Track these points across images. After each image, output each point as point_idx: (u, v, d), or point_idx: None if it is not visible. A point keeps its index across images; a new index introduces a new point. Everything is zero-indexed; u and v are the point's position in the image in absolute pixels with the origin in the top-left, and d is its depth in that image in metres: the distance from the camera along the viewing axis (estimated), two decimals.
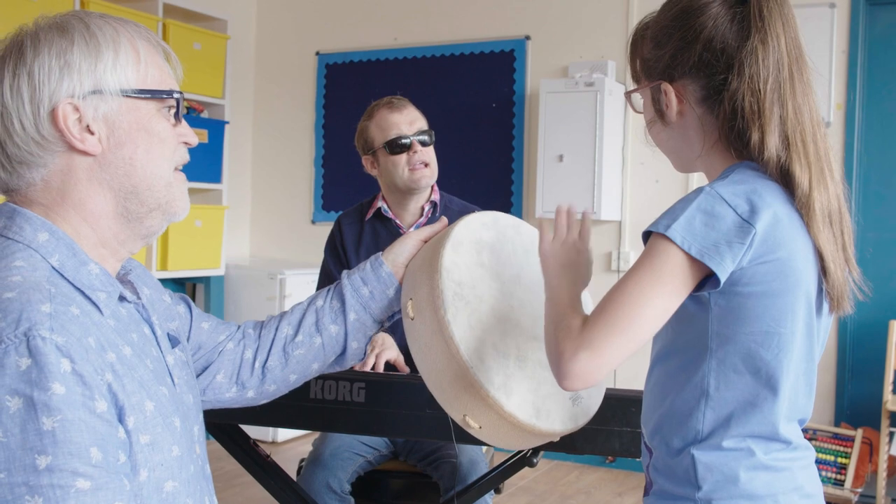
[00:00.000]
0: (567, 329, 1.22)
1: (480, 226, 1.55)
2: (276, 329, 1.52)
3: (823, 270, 1.25)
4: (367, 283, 1.53)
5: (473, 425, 1.42)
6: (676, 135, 1.33)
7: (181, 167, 1.25)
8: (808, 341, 1.26)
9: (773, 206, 1.20)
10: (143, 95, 1.17)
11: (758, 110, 1.23)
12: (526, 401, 1.42)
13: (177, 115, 1.21)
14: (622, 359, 1.19)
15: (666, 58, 1.30)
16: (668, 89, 1.30)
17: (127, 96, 1.16)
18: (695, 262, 1.17)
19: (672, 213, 1.20)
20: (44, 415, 0.96)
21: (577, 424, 1.51)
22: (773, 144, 1.23)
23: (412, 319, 1.45)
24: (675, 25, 1.30)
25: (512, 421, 1.39)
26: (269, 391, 1.53)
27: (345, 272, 1.57)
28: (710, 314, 1.22)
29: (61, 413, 0.97)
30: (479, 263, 1.49)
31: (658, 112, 1.33)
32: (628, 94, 1.40)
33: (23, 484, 0.95)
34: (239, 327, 1.54)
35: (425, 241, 1.57)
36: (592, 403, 1.56)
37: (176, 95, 1.20)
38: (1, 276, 1.05)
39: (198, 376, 1.46)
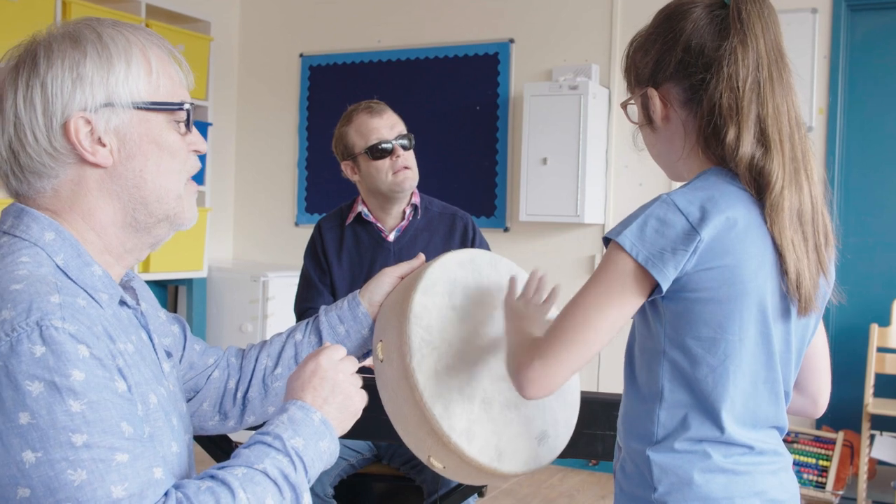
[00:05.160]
0: (525, 344, 1.29)
1: (456, 265, 1.56)
2: (256, 360, 1.54)
3: (784, 272, 1.24)
4: (344, 322, 1.56)
5: (438, 466, 1.45)
6: (663, 139, 1.35)
7: (192, 175, 1.25)
8: (765, 349, 1.26)
9: (728, 213, 1.20)
10: (154, 108, 1.17)
11: (735, 108, 1.24)
12: (489, 444, 1.43)
13: (188, 125, 1.21)
14: (576, 368, 1.24)
15: (651, 64, 1.32)
16: (653, 94, 1.32)
17: (138, 108, 1.16)
18: (641, 267, 1.19)
19: (627, 220, 1.23)
20: (70, 398, 0.98)
21: (541, 464, 1.52)
22: (748, 142, 1.23)
23: (381, 362, 1.47)
24: (658, 32, 1.32)
25: (474, 465, 1.41)
26: (248, 422, 1.55)
27: (323, 308, 1.59)
28: (663, 318, 1.24)
29: (87, 396, 0.99)
30: (451, 306, 1.50)
31: (647, 117, 1.35)
32: (623, 105, 1.42)
33: (62, 459, 0.97)
34: (224, 352, 1.56)
35: (402, 278, 1.59)
36: (559, 443, 1.57)
37: (186, 107, 1.20)
38: (7, 270, 1.06)
39: (188, 401, 1.47)
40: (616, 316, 1.21)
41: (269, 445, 1.12)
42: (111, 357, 1.05)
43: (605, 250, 1.26)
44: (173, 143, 1.19)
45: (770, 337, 1.26)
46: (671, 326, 1.24)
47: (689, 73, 1.27)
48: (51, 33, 1.17)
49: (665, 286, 1.19)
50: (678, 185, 1.31)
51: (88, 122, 1.13)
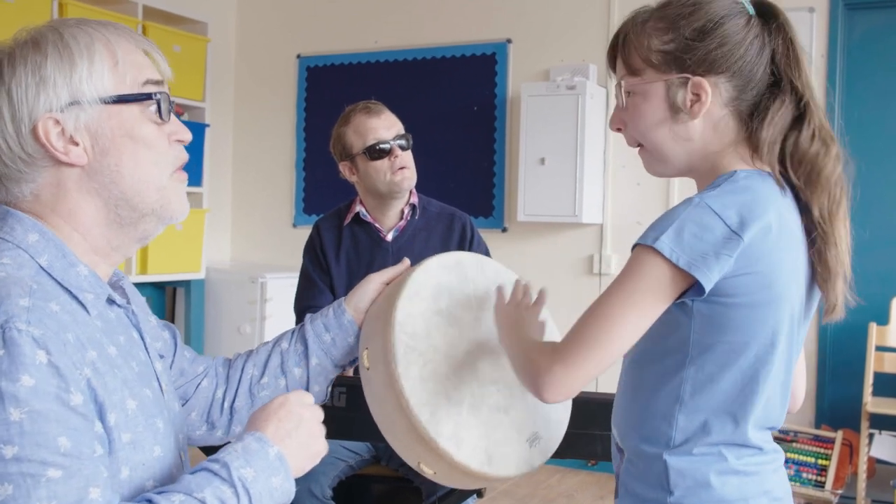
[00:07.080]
0: (542, 348, 1.25)
1: (441, 269, 1.55)
2: (242, 370, 1.52)
3: (827, 277, 1.27)
4: (330, 330, 1.54)
5: (428, 472, 1.44)
6: (680, 131, 1.27)
7: (182, 166, 1.23)
8: (788, 352, 1.26)
9: (765, 218, 1.19)
10: (121, 100, 1.15)
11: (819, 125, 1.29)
12: (478, 448, 1.42)
13: (161, 114, 1.18)
14: (598, 371, 1.20)
15: (700, 52, 1.24)
16: (702, 84, 1.24)
17: (106, 103, 1.14)
18: (680, 272, 1.16)
19: (660, 226, 1.19)
20: (11, 405, 0.96)
21: (533, 467, 1.50)
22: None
23: (368, 370, 1.46)
24: (698, 18, 1.25)
25: (463, 469, 1.41)
26: (236, 432, 1.52)
27: (308, 316, 1.58)
28: (693, 322, 1.22)
29: (29, 405, 0.96)
30: (437, 311, 1.49)
31: (671, 107, 1.26)
32: (634, 84, 1.29)
33: None
34: (213, 361, 1.54)
35: (387, 284, 1.57)
36: (551, 444, 1.55)
37: (157, 96, 1.18)
38: None
39: None
40: (641, 321, 1.18)
41: (215, 474, 1.07)
42: (75, 367, 1.02)
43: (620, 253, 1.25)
44: (148, 135, 1.17)
45: (792, 341, 1.27)
46: (701, 331, 1.22)
47: (749, 78, 1.26)
48: (17, 40, 1.16)
49: (708, 288, 1.16)
50: (676, 183, 1.31)
51: (57, 122, 1.12)
